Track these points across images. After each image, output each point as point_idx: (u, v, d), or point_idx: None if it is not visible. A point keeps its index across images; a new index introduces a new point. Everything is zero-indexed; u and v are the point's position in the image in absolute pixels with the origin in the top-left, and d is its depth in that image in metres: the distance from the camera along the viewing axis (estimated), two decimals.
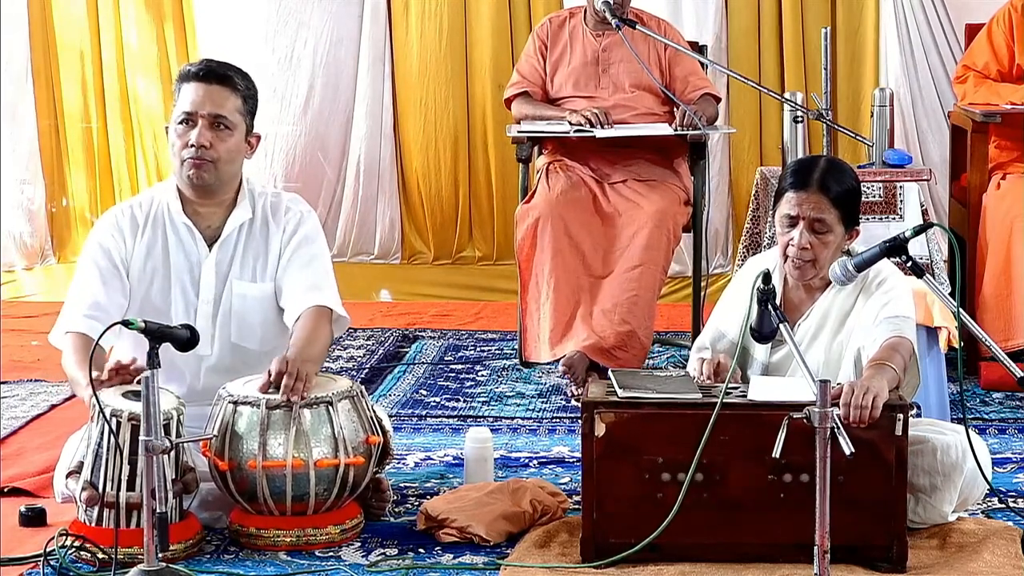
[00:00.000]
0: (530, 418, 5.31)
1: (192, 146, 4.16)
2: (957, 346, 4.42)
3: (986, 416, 5.27)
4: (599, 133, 5.72)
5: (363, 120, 7.33)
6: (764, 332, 3.89)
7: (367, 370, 5.97)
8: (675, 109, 5.83)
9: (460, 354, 6.25)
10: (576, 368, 5.43)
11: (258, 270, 4.29)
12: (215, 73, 4.20)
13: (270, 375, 4.00)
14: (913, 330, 4.01)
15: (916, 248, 5.39)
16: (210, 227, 4.28)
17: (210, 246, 4.27)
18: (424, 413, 5.36)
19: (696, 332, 5.84)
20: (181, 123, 4.18)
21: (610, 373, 4.06)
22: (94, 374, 3.80)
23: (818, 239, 4.04)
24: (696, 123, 5.73)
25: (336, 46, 7.29)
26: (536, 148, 6.05)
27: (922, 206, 5.62)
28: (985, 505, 4.25)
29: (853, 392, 3.71)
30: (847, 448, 3.45)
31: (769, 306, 3.82)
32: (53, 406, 5.42)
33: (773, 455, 3.57)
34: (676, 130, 5.77)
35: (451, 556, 3.94)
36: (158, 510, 3.57)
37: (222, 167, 4.21)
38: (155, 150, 7.36)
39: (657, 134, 5.81)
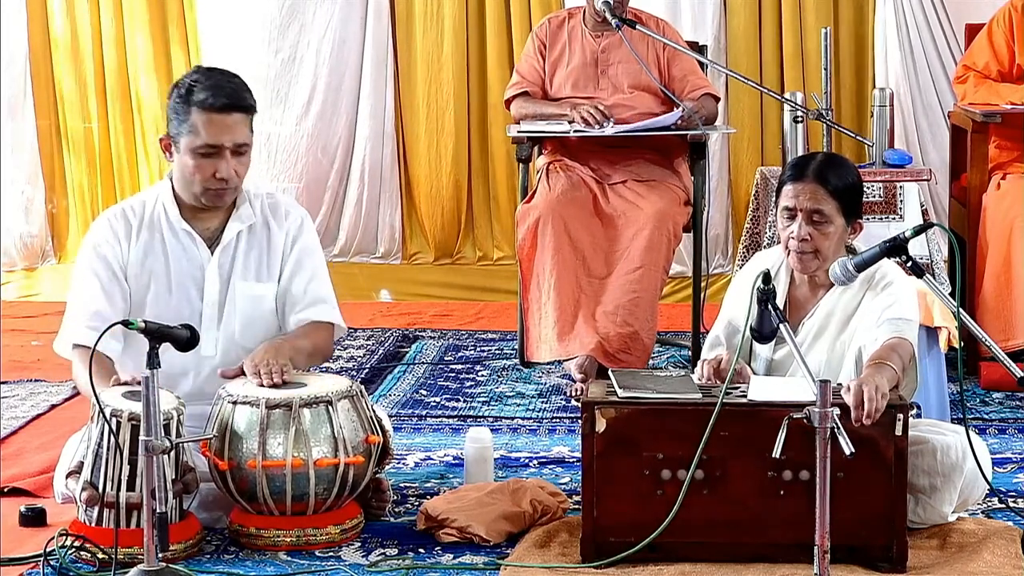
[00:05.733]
0: (530, 418, 5.31)
1: (221, 179, 4.15)
2: (957, 346, 4.42)
3: (986, 416, 5.27)
4: (606, 131, 5.70)
5: (366, 121, 7.33)
6: (764, 332, 3.89)
7: (367, 370, 5.97)
8: (675, 108, 5.82)
9: (460, 354, 6.25)
10: (588, 372, 5.43)
11: (263, 271, 4.29)
12: (236, 105, 4.13)
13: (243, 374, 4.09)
14: (915, 334, 4.00)
15: (916, 248, 5.39)
16: (208, 229, 4.28)
17: (211, 248, 4.27)
18: (424, 413, 5.36)
19: (696, 332, 5.84)
20: (202, 154, 4.14)
21: (610, 373, 4.06)
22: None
23: (817, 230, 4.03)
24: (696, 122, 5.73)
25: (339, 47, 7.29)
26: (536, 148, 6.05)
27: (922, 206, 5.62)
28: (985, 505, 4.25)
29: (862, 387, 3.69)
30: (847, 448, 3.45)
31: (769, 306, 3.81)
32: (53, 406, 5.42)
33: (773, 455, 3.57)
34: (676, 126, 5.75)
35: (451, 556, 3.94)
36: (158, 510, 3.57)
37: (240, 186, 4.24)
38: (156, 150, 7.35)
39: (660, 126, 5.77)
